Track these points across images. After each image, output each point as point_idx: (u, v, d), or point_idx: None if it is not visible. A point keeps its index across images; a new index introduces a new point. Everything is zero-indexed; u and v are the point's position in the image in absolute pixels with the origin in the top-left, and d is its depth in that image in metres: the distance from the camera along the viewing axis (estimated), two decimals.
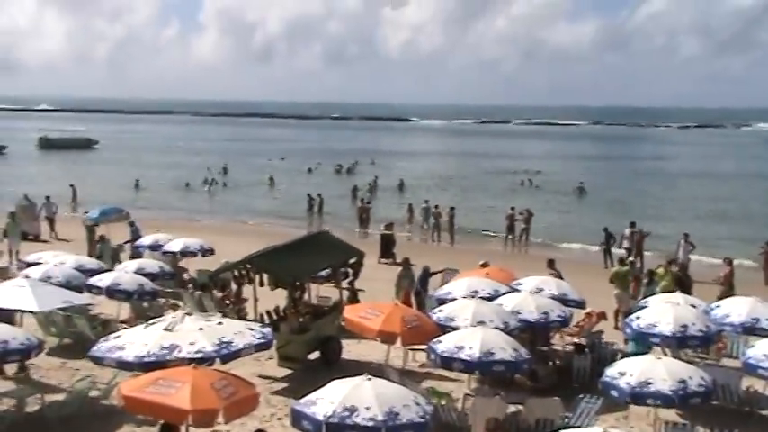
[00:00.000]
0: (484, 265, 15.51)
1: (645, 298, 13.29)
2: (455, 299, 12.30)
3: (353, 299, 14.76)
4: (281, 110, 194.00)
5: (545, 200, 40.30)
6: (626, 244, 22.35)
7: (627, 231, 22.67)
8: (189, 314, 8.62)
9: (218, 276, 13.89)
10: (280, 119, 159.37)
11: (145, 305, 14.45)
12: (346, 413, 6.71)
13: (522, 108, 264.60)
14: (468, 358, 9.22)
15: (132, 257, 18.69)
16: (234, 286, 13.39)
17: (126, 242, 20.28)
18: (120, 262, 17.90)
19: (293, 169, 54.23)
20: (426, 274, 15.97)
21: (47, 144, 66.24)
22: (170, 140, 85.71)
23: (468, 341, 9.47)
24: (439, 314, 11.56)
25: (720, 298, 13.12)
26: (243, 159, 59.90)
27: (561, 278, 15.08)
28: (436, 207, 29.60)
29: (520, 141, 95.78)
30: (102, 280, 13.73)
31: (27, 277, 12.57)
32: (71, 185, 35.37)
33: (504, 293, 12.69)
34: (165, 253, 18.13)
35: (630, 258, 18.29)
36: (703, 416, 9.74)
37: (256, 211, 35.81)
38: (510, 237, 27.51)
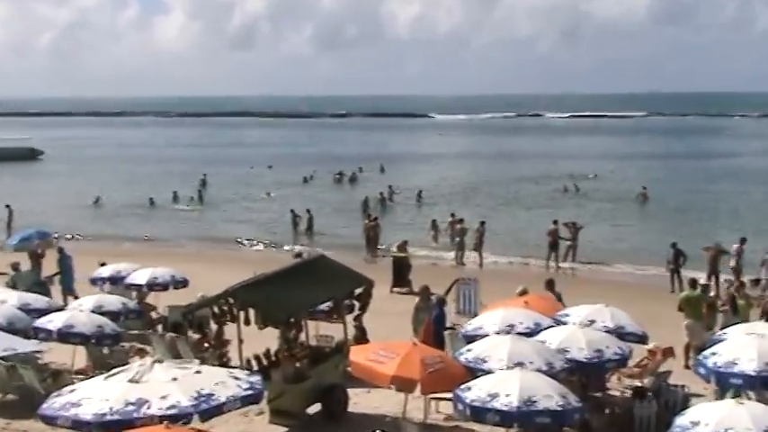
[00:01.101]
0: (522, 293, 15.57)
1: (724, 329, 13.40)
2: (487, 335, 12.38)
3: (361, 338, 14.71)
4: (266, 106, 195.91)
5: (595, 210, 40.57)
6: (733, 263, 22.62)
7: (735, 247, 22.94)
8: (159, 361, 8.68)
9: (193, 314, 14.04)
10: (264, 117, 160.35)
11: (105, 351, 14.60)
12: None
13: (563, 97, 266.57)
14: (505, 408, 9.14)
15: (64, 295, 18.76)
16: (213, 326, 13.33)
17: (54, 274, 20.31)
18: (74, 297, 18.10)
19: (284, 180, 54.72)
20: (441, 308, 15.81)
21: None
22: (130, 147, 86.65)
23: (504, 387, 9.45)
24: (467, 354, 11.56)
25: None
26: (219, 169, 60.57)
27: (561, 300, 15.54)
28: (460, 221, 30.04)
29: (561, 138, 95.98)
30: (53, 321, 13.76)
31: None
32: (7, 206, 35.65)
33: (546, 327, 12.82)
34: (128, 286, 18.31)
35: (702, 280, 18.35)
36: None
37: (239, 233, 36.08)
38: (553, 257, 27.91)
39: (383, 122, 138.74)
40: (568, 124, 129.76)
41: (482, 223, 29.05)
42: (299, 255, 22.24)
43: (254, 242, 33.35)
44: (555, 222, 28.55)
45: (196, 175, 53.88)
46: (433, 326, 15.26)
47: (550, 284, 16.96)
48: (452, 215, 31.26)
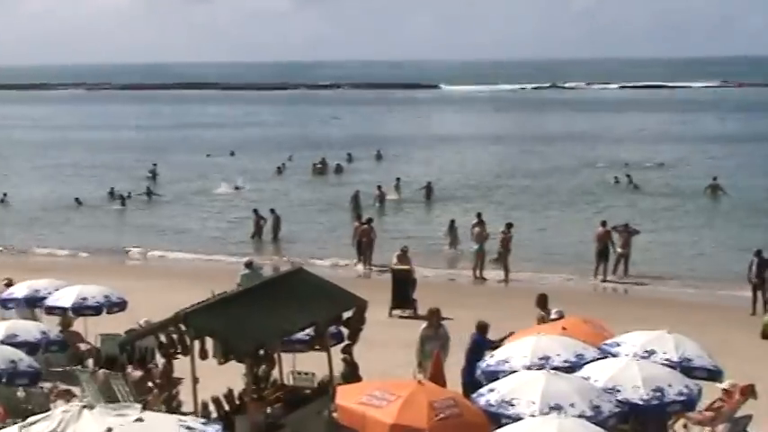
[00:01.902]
0: (557, 317, 15.61)
1: None
2: (514, 371, 12.33)
3: (352, 375, 14.82)
4: (229, 76, 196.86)
5: (652, 208, 40.59)
6: None
7: None
8: (89, 406, 8.61)
9: (134, 345, 14.03)
10: (227, 90, 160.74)
11: (19, 394, 14.54)
12: None
13: (608, 62, 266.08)
14: None
15: None
16: (160, 360, 13.57)
17: None
18: None
19: (251, 170, 54.78)
20: (483, 339, 15.80)
21: None
22: (53, 129, 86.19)
23: None
24: (489, 396, 11.47)
25: None
26: (169, 157, 60.24)
27: (545, 321, 16.08)
28: (478, 223, 30.06)
29: (608, 116, 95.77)
30: None
31: None
32: None
33: (591, 360, 12.80)
34: (49, 309, 18.21)
35: None
36: None
37: (195, 239, 36.26)
38: (601, 268, 28.14)
39: (379, 96, 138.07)
40: (618, 98, 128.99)
41: (508, 226, 28.90)
42: (249, 264, 22.64)
43: (215, 250, 33.55)
44: (603, 224, 28.68)
45: (139, 166, 53.22)
46: (469, 358, 15.29)
47: (541, 300, 17.22)
48: (479, 215, 30.94)
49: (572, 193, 45.64)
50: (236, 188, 48.19)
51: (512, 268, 28.99)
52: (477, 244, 29.28)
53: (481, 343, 15.78)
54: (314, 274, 15.16)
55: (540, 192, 46.21)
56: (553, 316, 15.91)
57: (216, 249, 34.36)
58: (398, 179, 45.14)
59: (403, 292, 23.70)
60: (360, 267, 30.22)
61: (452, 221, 33.08)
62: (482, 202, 40.89)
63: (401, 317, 22.95)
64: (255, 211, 36.27)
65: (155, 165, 53.29)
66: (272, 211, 35.92)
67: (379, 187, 42.85)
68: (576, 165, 55.31)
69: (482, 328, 16.07)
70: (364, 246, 30.34)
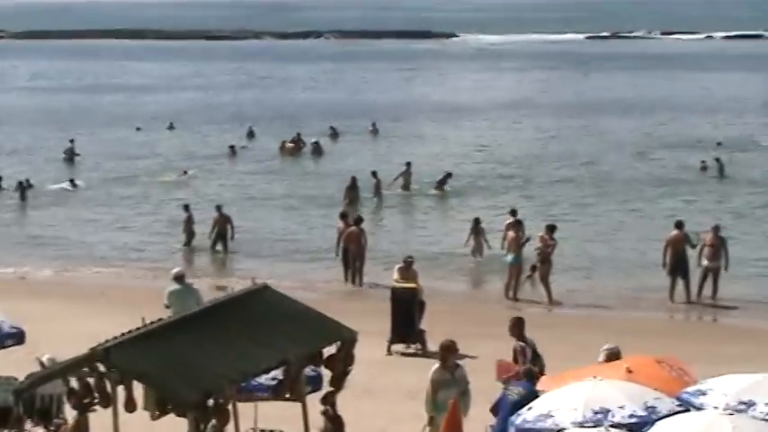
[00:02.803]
0: (612, 356, 15.54)
1: None
2: (561, 430, 12.46)
3: None
4: (166, 20, 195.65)
5: (749, 204, 40.65)
6: None
7: None
8: None
9: (34, 392, 13.96)
10: (163, 40, 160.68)
11: None
12: None
13: (690, 4, 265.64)
14: None
15: None
16: (70, 412, 13.52)
17: None
18: None
19: (195, 150, 55.21)
20: (531, 382, 15.78)
21: None
22: None
23: None
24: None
25: None
26: (85, 131, 60.33)
27: (537, 357, 16.85)
28: (514, 224, 30.19)
29: (690, 76, 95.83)
30: None
31: None
32: None
33: (666, 415, 12.74)
34: None
35: None
36: None
37: (116, 246, 36.52)
38: (681, 284, 28.36)
39: (375, 48, 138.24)
40: (705, 51, 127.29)
41: (550, 230, 28.97)
42: (180, 278, 22.68)
43: (148, 260, 33.97)
44: (679, 226, 28.76)
45: (44, 143, 53.51)
46: (499, 412, 15.50)
47: (517, 326, 17.65)
48: (513, 212, 31.38)
49: (638, 183, 45.47)
50: (185, 174, 48.26)
51: (555, 286, 28.78)
52: (511, 253, 29.10)
53: (529, 393, 15.63)
54: (283, 295, 15.11)
55: (594, 181, 46.23)
56: (602, 356, 15.65)
57: (144, 260, 34.41)
58: (409, 164, 44.63)
59: (406, 319, 23.56)
60: (347, 285, 30.24)
61: (476, 221, 33.26)
62: (515, 196, 41.01)
63: (404, 354, 23.05)
64: (186, 208, 36.40)
65: (72, 142, 53.68)
66: (218, 208, 35.68)
67: (375, 174, 42.82)
68: (645, 144, 55.22)
69: (530, 373, 15.87)
70: (352, 255, 30.31)
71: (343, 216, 32.52)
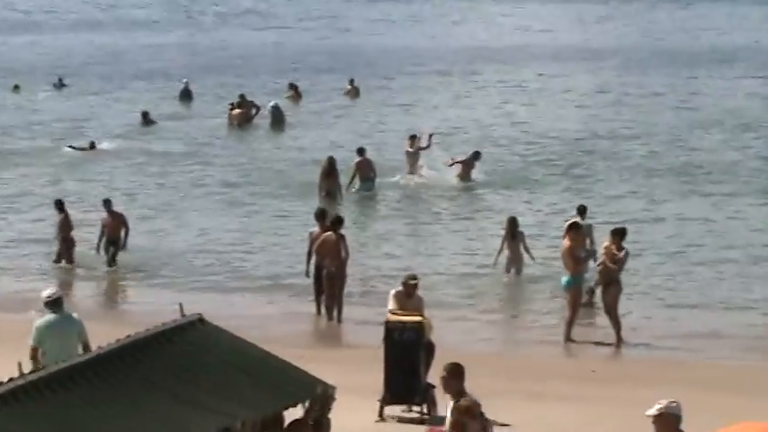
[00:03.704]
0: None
1: None
2: None
3: None
4: None
5: None
6: None
7: None
8: None
9: None
10: None
11: None
12: None
13: None
14: None
15: None
16: None
17: None
18: None
19: (95, 120, 55.45)
20: None
21: None
22: None
23: None
24: None
25: None
26: None
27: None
28: (572, 229, 28.14)
29: None
30: None
31: None
32: None
33: None
34: None
35: None
36: None
37: None
38: None
39: None
40: None
41: (618, 236, 27.48)
42: (54, 302, 21.68)
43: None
44: None
45: None
46: None
47: (455, 378, 15.89)
48: (581, 210, 30.92)
49: (746, 172, 44.74)
50: (91, 147, 48.01)
51: (628, 314, 27.65)
52: (573, 274, 27.37)
53: None
54: (226, 332, 14.45)
55: (680, 168, 45.58)
56: (653, 411, 13.78)
57: (15, 275, 33.37)
58: (415, 139, 43.80)
59: (407, 369, 22.41)
60: (320, 319, 29.26)
61: (512, 222, 31.85)
62: (563, 188, 40.61)
63: (403, 420, 21.72)
64: (60, 205, 35.05)
65: None
66: (107, 205, 34.58)
67: (361, 151, 42.06)
68: (757, 115, 54.57)
69: None
70: (328, 273, 28.87)
71: (320, 216, 30.85)
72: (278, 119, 53.20)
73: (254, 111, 53.70)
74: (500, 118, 54.62)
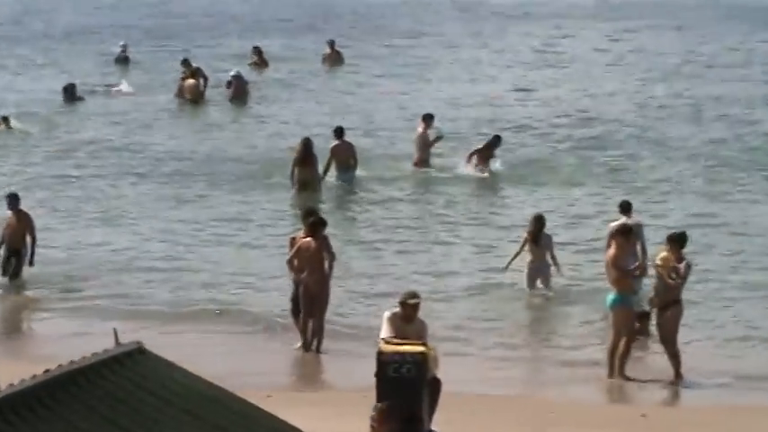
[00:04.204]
0: None
1: None
2: None
3: None
4: None
5: None
6: None
7: None
8: None
9: None
10: None
11: None
12: None
13: None
14: None
15: None
16: None
17: None
18: None
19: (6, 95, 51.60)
20: None
21: None
22: None
23: None
24: None
25: None
26: None
27: None
28: (622, 232, 27.62)
29: None
30: None
31: None
32: None
33: None
34: None
35: None
36: None
37: None
38: None
39: None
40: None
41: (678, 242, 26.72)
42: None
43: None
44: None
45: None
46: None
47: (392, 417, 18.05)
48: (625, 206, 29.71)
49: None
50: (4, 123, 46.57)
51: (690, 344, 26.24)
52: (621, 290, 26.78)
53: None
54: (175, 367, 13.99)
55: (742, 164, 45.43)
56: None
57: None
58: (429, 119, 43.45)
59: (405, 412, 22.44)
60: (296, 349, 28.43)
61: (538, 222, 30.69)
62: (605, 182, 39.85)
63: None
64: None
65: None
66: (12, 201, 33.60)
67: (339, 132, 40.60)
68: None
69: None
70: (307, 291, 28.43)
71: (308, 215, 30.85)
72: (240, 91, 51.98)
73: (202, 81, 51.79)
74: (519, 92, 53.79)
